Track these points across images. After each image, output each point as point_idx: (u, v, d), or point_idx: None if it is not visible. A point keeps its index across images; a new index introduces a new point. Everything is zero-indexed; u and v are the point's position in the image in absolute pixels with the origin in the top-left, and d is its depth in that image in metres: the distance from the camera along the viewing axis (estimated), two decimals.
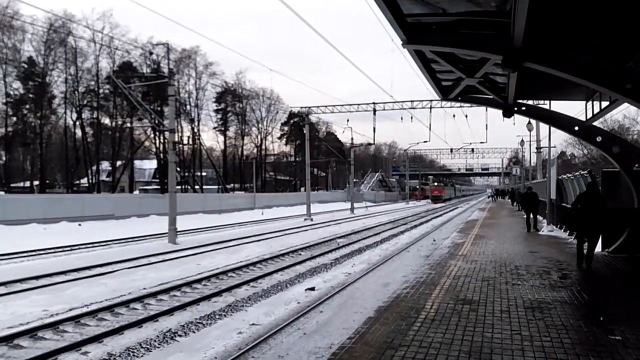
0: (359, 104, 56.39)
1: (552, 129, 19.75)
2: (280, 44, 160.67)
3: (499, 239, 16.96)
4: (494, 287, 8.64)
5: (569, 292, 8.24)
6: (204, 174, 67.44)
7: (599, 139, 12.95)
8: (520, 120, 33.39)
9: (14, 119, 47.34)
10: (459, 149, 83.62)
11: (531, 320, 6.53)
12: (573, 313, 6.93)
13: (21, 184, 51.53)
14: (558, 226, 19.30)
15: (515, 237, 17.43)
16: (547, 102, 20.53)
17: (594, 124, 13.88)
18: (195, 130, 58.68)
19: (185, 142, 52.66)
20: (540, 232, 18.86)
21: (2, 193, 42.19)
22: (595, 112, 13.31)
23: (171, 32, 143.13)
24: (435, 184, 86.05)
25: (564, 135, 57.86)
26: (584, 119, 13.95)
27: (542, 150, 38.06)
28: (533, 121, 31.86)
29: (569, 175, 18.35)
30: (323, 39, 20.22)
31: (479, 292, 8.25)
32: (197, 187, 60.19)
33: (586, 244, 10.91)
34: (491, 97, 13.81)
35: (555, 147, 44.11)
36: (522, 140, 48.96)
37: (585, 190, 11.34)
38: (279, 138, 79.99)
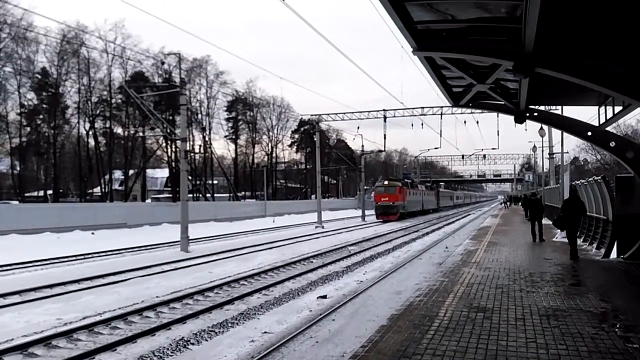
0: (369, 111, 56.25)
1: (565, 134, 19.61)
2: (290, 53, 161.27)
3: (512, 245, 16.81)
4: (508, 295, 8.56)
5: (584, 299, 8.13)
6: (215, 182, 67.75)
7: (612, 144, 12.81)
8: (532, 125, 33.13)
9: (28, 129, 47.97)
10: (470, 155, 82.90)
11: (546, 328, 6.45)
12: (589, 320, 6.83)
13: (35, 193, 52.05)
14: None
15: (529, 244, 17.26)
16: (559, 107, 20.39)
17: (607, 129, 13.76)
18: (207, 138, 59.12)
19: (196, 150, 52.95)
20: (554, 239, 18.63)
21: (17, 202, 42.65)
22: (608, 117, 13.19)
23: (182, 42, 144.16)
24: (385, 182, 47.98)
25: (576, 141, 57.42)
26: (596, 124, 13.82)
27: (554, 156, 37.75)
28: (545, 127, 31.67)
29: (583, 181, 18.17)
30: (333, 46, 20.28)
31: (492, 300, 8.17)
32: (208, 195, 60.44)
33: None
34: (502, 103, 13.74)
35: (567, 152, 43.88)
36: (535, 146, 48.54)
37: (568, 197, 14.22)
38: (290, 146, 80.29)
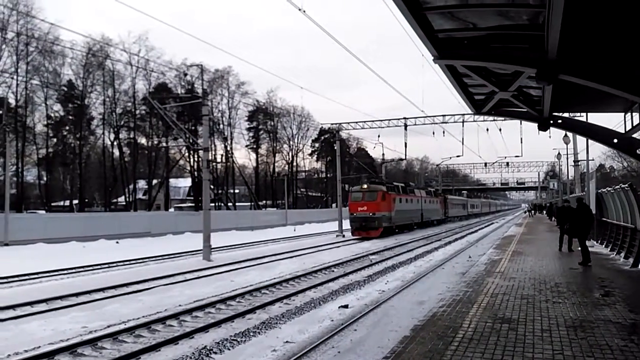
0: (389, 120, 56.13)
1: (590, 141, 19.27)
2: (310, 62, 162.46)
3: (537, 255, 16.53)
4: (533, 305, 8.41)
5: (612, 311, 7.95)
6: (236, 191, 68.26)
7: (639, 151, 12.56)
8: (556, 132, 32.49)
9: (55, 140, 49.08)
10: (493, 163, 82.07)
11: (574, 340, 6.32)
12: (618, 332, 6.68)
13: (61, 203, 53.10)
14: (599, 242, 18.70)
15: (555, 254, 16.95)
16: (583, 114, 20.05)
17: (634, 135, 13.48)
18: (228, 148, 59.70)
19: (218, 160, 53.54)
20: (579, 248, 18.25)
21: (43, 212, 43.60)
22: (634, 124, 12.92)
23: (204, 54, 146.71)
24: (364, 186, 36.90)
25: (602, 148, 56.48)
26: (622, 131, 13.57)
27: (579, 163, 37.12)
28: (570, 134, 31.16)
29: (609, 188, 17.81)
30: (353, 55, 20.38)
31: (518, 311, 8.04)
32: (230, 204, 60.89)
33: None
34: (526, 110, 13.58)
35: (593, 159, 43.09)
36: (559, 154, 47.78)
37: (577, 206, 15.04)
38: (310, 155, 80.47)
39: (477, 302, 8.79)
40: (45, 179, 49.41)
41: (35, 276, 17.33)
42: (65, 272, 18.41)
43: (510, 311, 8.03)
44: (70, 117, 49.11)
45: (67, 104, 48.61)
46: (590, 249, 17.96)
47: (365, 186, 36.68)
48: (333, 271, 17.85)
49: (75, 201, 50.38)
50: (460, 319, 7.50)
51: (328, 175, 78.46)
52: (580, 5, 6.58)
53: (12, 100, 42.18)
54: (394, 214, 36.73)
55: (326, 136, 75.85)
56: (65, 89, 47.67)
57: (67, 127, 49.52)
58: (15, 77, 40.99)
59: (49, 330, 9.80)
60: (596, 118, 40.71)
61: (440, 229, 45.11)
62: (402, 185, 43.13)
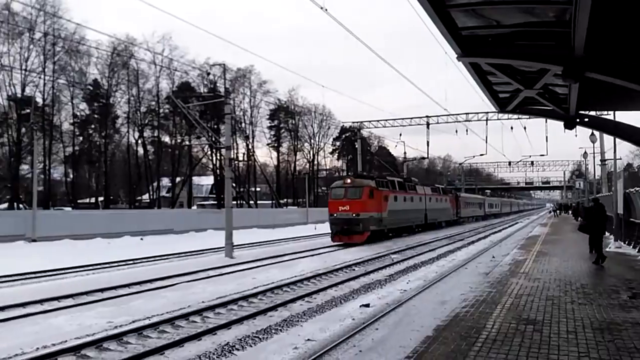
0: (412, 118, 55.57)
1: (617, 140, 18.87)
2: (332, 60, 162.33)
3: (562, 256, 16.28)
4: (558, 307, 8.29)
5: None
6: (258, 189, 68.71)
7: None
8: (582, 131, 31.62)
9: (81, 138, 50.04)
10: (517, 162, 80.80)
11: (600, 342, 6.21)
12: None
13: (87, 200, 54.12)
14: (626, 242, 18.30)
15: (581, 254, 16.65)
16: (611, 112, 19.66)
17: None
18: (250, 146, 60.05)
19: (240, 158, 53.77)
20: (607, 249, 17.91)
21: (70, 209, 44.46)
22: None
23: (227, 53, 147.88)
24: (347, 180, 29.89)
25: (630, 147, 55.21)
26: None
27: (607, 162, 36.34)
28: (596, 132, 30.52)
29: (637, 188, 17.42)
30: (375, 53, 20.36)
31: (542, 312, 7.93)
32: (251, 202, 61.28)
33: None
34: (551, 108, 13.36)
35: (620, 158, 42.03)
36: (585, 153, 46.75)
37: (593, 205, 15.42)
38: (331, 153, 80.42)
39: (501, 302, 8.70)
40: (71, 176, 50.39)
41: (62, 272, 17.71)
42: (91, 268, 18.77)
43: (534, 312, 7.92)
44: (96, 116, 50.01)
45: (92, 103, 49.50)
46: (617, 250, 17.70)
47: (348, 181, 29.76)
48: (354, 270, 17.83)
49: (101, 198, 51.30)
50: (483, 320, 7.44)
51: (349, 173, 78.33)
52: (608, 1, 6.45)
53: (39, 99, 43.12)
54: (386, 214, 30.46)
55: (347, 135, 75.69)
56: (91, 88, 48.52)
57: (93, 126, 50.45)
58: (42, 76, 41.92)
59: (75, 324, 10.00)
60: (624, 116, 39.86)
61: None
62: (398, 181, 36.06)
